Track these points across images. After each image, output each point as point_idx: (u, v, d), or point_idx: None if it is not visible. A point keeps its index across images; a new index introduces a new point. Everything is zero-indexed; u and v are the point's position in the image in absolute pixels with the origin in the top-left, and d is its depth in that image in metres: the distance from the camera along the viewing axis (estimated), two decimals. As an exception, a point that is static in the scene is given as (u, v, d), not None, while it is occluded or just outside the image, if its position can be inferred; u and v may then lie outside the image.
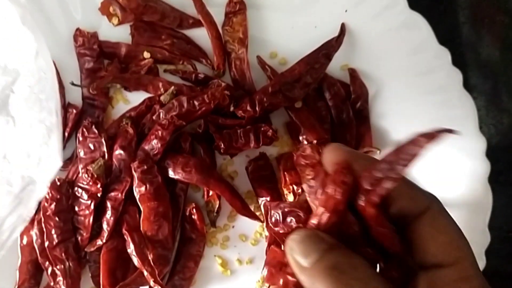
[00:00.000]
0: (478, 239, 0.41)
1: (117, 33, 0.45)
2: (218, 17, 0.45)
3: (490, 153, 0.43)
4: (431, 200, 0.24)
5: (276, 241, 0.29)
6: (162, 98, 0.43)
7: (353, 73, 0.45)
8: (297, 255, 0.24)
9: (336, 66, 0.45)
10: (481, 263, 0.41)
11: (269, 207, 0.28)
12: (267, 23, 0.45)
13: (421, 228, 0.24)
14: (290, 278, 0.26)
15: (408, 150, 0.22)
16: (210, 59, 0.45)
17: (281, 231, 0.27)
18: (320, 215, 0.24)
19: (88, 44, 0.44)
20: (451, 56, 0.43)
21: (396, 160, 0.22)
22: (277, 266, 0.27)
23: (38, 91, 0.33)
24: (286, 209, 0.27)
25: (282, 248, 0.27)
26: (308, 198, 0.26)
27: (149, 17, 0.44)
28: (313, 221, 0.24)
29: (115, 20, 0.44)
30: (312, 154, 0.27)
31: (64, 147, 0.44)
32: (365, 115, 0.45)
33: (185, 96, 0.42)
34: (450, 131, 0.22)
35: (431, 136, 0.22)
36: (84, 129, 0.42)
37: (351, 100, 0.45)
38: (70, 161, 0.44)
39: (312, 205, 0.26)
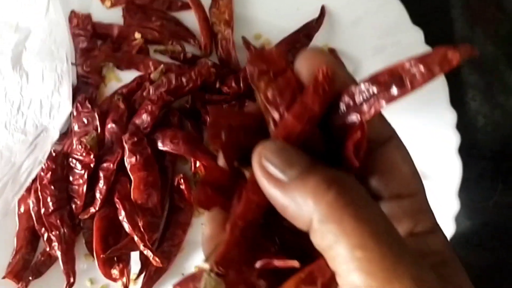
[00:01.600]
0: (447, 207, 0.44)
1: (110, 15, 0.47)
2: (205, 0, 0.48)
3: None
4: (393, 129, 0.23)
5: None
6: (152, 76, 0.46)
7: (332, 53, 0.47)
8: (274, 167, 0.20)
9: (316, 46, 0.48)
10: (451, 228, 0.44)
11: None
12: (252, 6, 0.48)
13: (387, 155, 0.22)
14: (252, 196, 0.21)
15: (408, 73, 0.20)
16: (198, 39, 0.48)
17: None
18: (290, 127, 0.21)
19: (82, 25, 0.46)
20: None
21: (391, 81, 0.20)
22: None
23: (49, 43, 0.35)
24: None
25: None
26: (264, 110, 0.22)
27: (140, 0, 0.47)
28: (281, 133, 0.21)
29: (108, 3, 0.47)
30: (277, 59, 0.22)
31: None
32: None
33: (174, 73, 0.45)
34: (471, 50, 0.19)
35: (444, 61, 0.19)
36: (79, 105, 0.45)
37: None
38: (65, 135, 0.47)
39: (270, 119, 0.21)
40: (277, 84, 0.21)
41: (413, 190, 0.22)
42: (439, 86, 0.45)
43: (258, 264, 0.21)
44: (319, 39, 0.47)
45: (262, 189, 0.20)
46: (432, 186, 0.44)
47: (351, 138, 0.20)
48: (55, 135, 0.37)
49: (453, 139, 0.45)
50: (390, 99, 0.20)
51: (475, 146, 0.49)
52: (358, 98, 0.21)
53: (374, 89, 0.20)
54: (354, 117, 0.21)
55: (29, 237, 0.45)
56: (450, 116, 0.44)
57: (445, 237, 0.23)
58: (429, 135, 0.45)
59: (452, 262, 0.22)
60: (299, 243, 0.22)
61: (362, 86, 0.21)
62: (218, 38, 0.48)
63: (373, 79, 0.21)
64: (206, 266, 0.20)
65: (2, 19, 0.37)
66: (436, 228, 0.23)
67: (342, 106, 0.21)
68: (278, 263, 0.21)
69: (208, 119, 0.45)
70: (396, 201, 0.22)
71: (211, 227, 0.22)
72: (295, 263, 0.21)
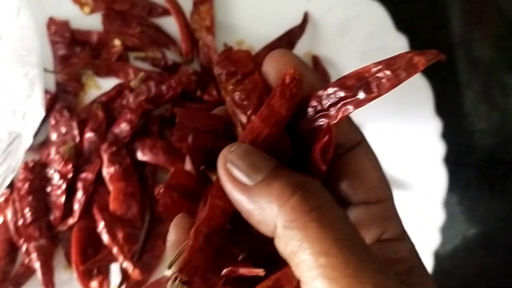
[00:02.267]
0: (433, 216, 0.43)
1: (89, 21, 0.46)
2: (186, 6, 0.47)
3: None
4: (362, 134, 0.23)
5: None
6: (132, 83, 0.45)
7: (315, 60, 0.47)
8: (238, 170, 0.19)
9: (300, 53, 0.47)
10: (436, 239, 0.43)
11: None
12: (233, 12, 0.47)
13: (355, 160, 0.22)
14: (216, 201, 0.20)
15: (375, 77, 0.19)
16: (178, 46, 0.47)
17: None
18: (257, 130, 0.20)
19: (61, 32, 0.45)
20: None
21: (358, 86, 0.20)
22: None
23: (20, 49, 0.34)
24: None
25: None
26: (232, 113, 0.21)
27: (120, 6, 0.46)
28: (247, 137, 0.20)
29: (86, 9, 0.46)
30: (244, 61, 0.22)
31: (37, 131, 0.46)
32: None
33: (153, 81, 0.44)
34: (437, 55, 0.19)
35: (410, 66, 0.19)
36: (57, 113, 0.44)
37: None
38: (43, 145, 0.46)
39: (238, 122, 0.21)
40: (244, 86, 0.21)
41: (381, 196, 0.22)
42: (424, 95, 0.44)
43: (223, 272, 0.21)
44: (302, 46, 0.46)
45: (227, 194, 0.20)
46: (418, 196, 0.44)
47: (318, 142, 0.20)
48: (28, 141, 0.36)
49: (439, 148, 0.44)
50: (358, 104, 0.20)
51: (461, 155, 0.48)
52: (326, 102, 0.20)
53: (341, 93, 0.20)
54: (321, 121, 0.21)
55: (8, 249, 0.44)
56: (435, 125, 0.44)
57: (412, 245, 0.23)
58: (414, 144, 0.44)
59: (419, 269, 0.21)
60: (267, 250, 0.21)
61: (330, 90, 0.20)
62: (200, 45, 0.47)
63: (341, 83, 0.20)
64: (169, 272, 0.19)
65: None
66: (403, 236, 0.22)
67: (310, 110, 0.21)
68: (243, 271, 0.20)
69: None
70: (364, 207, 0.22)
71: (176, 233, 0.21)
72: (260, 272, 0.20)
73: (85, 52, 0.46)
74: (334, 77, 0.47)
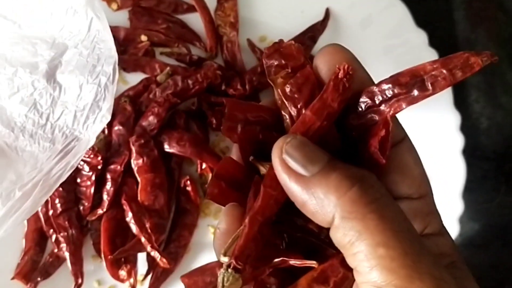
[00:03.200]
0: (451, 207, 0.44)
1: (116, 17, 0.48)
2: (211, 3, 0.48)
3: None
4: (405, 131, 0.23)
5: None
6: (158, 78, 0.46)
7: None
8: (295, 161, 0.20)
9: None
10: (455, 229, 0.44)
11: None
12: (257, 8, 0.48)
13: (400, 157, 0.22)
14: (270, 191, 0.21)
15: (430, 75, 0.20)
16: (203, 42, 0.48)
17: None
18: (309, 123, 0.21)
19: None
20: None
21: (413, 83, 0.20)
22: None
23: (92, 59, 0.35)
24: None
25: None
26: (281, 105, 0.22)
27: (146, 3, 0.47)
28: (299, 129, 0.21)
29: (114, 6, 0.47)
30: (296, 54, 0.22)
31: (67, 125, 0.47)
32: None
33: (180, 75, 0.45)
34: (491, 56, 0.20)
35: (467, 66, 0.20)
36: (86, 107, 0.45)
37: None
38: (72, 138, 0.47)
39: (287, 115, 0.22)
40: (296, 79, 0.22)
41: (423, 192, 0.23)
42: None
43: (274, 262, 0.21)
44: (323, 41, 0.47)
45: (281, 184, 0.20)
46: (437, 188, 0.45)
47: (376, 135, 0.21)
48: (89, 142, 0.37)
49: (458, 141, 0.45)
50: (411, 101, 0.21)
51: (478, 148, 0.50)
52: (378, 98, 0.21)
53: (395, 90, 0.21)
54: (372, 116, 0.21)
55: (37, 239, 0.45)
56: (454, 118, 0.45)
57: (452, 240, 0.23)
58: (433, 137, 0.45)
59: (461, 264, 0.22)
60: (307, 241, 0.22)
61: (384, 86, 0.21)
62: (224, 41, 0.48)
63: (394, 80, 0.21)
64: (225, 260, 0.20)
65: (38, 34, 0.37)
66: (444, 231, 0.23)
67: (361, 105, 0.22)
68: (294, 262, 0.21)
69: (213, 120, 0.45)
70: (407, 202, 0.22)
71: (227, 222, 0.22)
72: (313, 263, 0.21)
73: (112, 47, 0.47)
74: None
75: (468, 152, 0.46)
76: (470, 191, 0.47)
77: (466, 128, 0.46)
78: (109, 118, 0.36)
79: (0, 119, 0.37)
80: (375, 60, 0.47)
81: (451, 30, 0.51)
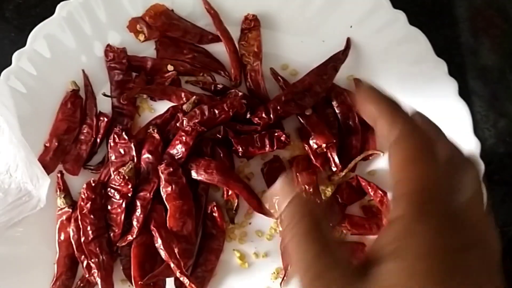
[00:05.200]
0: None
1: (143, 48, 0.49)
2: (235, 34, 0.50)
3: (489, 155, 0.47)
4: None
5: None
6: (184, 106, 0.48)
7: (357, 83, 0.49)
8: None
9: (342, 77, 0.49)
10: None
11: None
12: (279, 39, 0.50)
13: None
14: None
15: None
16: (227, 71, 0.50)
17: None
18: None
19: (118, 59, 0.48)
20: (451, 61, 0.47)
21: None
22: None
23: None
24: None
25: None
26: None
27: (173, 33, 0.49)
28: None
29: (141, 37, 0.49)
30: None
31: (96, 152, 0.49)
32: (369, 121, 0.49)
33: (206, 105, 0.47)
34: None
35: None
36: (115, 136, 0.47)
37: (356, 107, 0.49)
38: (101, 164, 0.48)
39: None
40: None
41: None
42: (462, 115, 0.47)
43: None
44: (345, 70, 0.49)
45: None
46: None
47: None
48: (39, 202, 0.39)
49: (479, 166, 0.46)
50: None
51: (497, 172, 0.51)
52: None
53: None
54: None
55: (69, 264, 0.47)
56: (474, 145, 0.46)
57: None
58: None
59: None
60: None
61: None
62: (247, 70, 0.49)
63: None
64: None
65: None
66: None
67: None
68: None
69: (239, 148, 0.47)
70: None
71: None
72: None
73: (140, 77, 0.49)
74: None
75: (486, 177, 0.47)
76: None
77: (484, 153, 0.47)
78: (48, 180, 0.40)
79: None
80: (395, 87, 0.48)
81: (465, 58, 0.52)
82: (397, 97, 0.48)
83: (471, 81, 0.53)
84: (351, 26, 0.48)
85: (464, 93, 0.47)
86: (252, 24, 0.49)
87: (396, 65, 0.48)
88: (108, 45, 0.48)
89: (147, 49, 0.49)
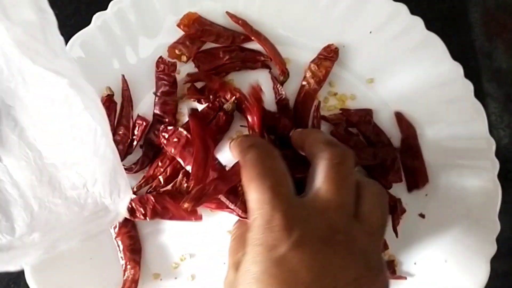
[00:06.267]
0: (490, 228, 0.48)
1: (187, 68, 0.52)
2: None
3: (501, 155, 0.49)
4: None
5: None
6: (225, 106, 0.49)
7: (399, 115, 0.51)
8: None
9: (363, 81, 0.52)
10: (493, 248, 0.48)
11: None
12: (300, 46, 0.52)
13: None
14: None
15: None
16: (268, 60, 0.51)
17: None
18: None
19: (168, 71, 0.51)
20: (467, 65, 0.49)
21: None
22: None
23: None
24: None
25: None
26: None
27: (207, 39, 0.51)
28: None
29: (184, 58, 0.51)
30: None
31: (131, 152, 0.51)
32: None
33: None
34: None
35: None
36: (164, 133, 0.48)
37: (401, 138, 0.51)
38: (135, 165, 0.51)
39: None
40: None
41: None
42: (478, 116, 0.49)
43: None
44: (363, 73, 0.52)
45: None
46: (475, 209, 0.48)
47: None
48: (118, 216, 0.39)
49: (494, 165, 0.48)
50: None
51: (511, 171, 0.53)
52: None
53: None
54: None
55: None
56: (490, 145, 0.48)
57: None
58: (471, 161, 0.49)
59: None
60: None
61: None
62: (304, 88, 0.51)
63: None
64: None
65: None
66: None
67: None
68: None
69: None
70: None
71: None
72: None
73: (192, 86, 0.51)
74: (394, 96, 0.52)
75: (502, 175, 0.49)
76: (504, 213, 0.50)
77: (499, 153, 0.49)
78: (130, 193, 0.38)
79: (50, 180, 0.40)
80: (412, 90, 0.51)
81: (478, 61, 0.54)
82: (416, 99, 0.51)
83: (486, 83, 0.55)
84: (370, 32, 0.51)
85: (480, 95, 0.50)
86: (331, 54, 0.51)
87: (414, 69, 0.50)
88: (161, 57, 0.51)
89: (190, 68, 0.52)
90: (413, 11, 0.50)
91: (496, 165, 0.48)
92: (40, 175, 0.41)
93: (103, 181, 0.39)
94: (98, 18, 0.50)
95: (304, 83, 0.51)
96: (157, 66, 0.51)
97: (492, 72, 0.56)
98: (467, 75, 0.49)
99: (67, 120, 0.38)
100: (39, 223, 0.39)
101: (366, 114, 0.51)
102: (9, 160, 0.41)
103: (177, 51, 0.51)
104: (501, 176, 0.49)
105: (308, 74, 0.51)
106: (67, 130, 0.39)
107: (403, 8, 0.49)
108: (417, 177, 0.50)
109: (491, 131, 0.49)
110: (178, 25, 0.51)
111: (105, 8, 0.50)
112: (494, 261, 0.47)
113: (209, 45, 0.52)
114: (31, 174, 0.41)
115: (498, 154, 0.49)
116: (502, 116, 0.55)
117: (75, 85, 0.37)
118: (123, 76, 0.51)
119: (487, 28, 0.56)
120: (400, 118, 0.51)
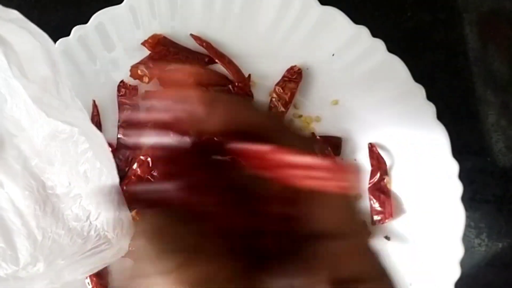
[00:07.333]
0: (452, 251, 0.47)
1: (150, 87, 0.53)
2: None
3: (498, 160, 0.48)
4: None
5: None
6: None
7: (372, 147, 0.51)
8: None
9: (326, 103, 0.52)
10: (456, 272, 0.47)
11: None
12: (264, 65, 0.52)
13: None
14: None
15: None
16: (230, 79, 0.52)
17: None
18: None
19: (129, 95, 0.52)
20: (432, 85, 0.49)
21: None
22: None
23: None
24: None
25: None
26: None
27: (171, 58, 0.52)
28: None
29: (146, 79, 0.52)
30: None
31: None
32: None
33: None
34: None
35: None
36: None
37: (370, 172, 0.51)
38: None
39: None
40: None
41: None
42: (440, 137, 0.48)
43: None
44: (327, 94, 0.52)
45: None
46: (437, 232, 0.48)
47: None
48: (121, 250, 0.40)
49: (456, 188, 0.48)
50: None
51: (479, 191, 0.52)
52: None
53: None
54: None
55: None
56: (452, 167, 0.48)
57: None
58: (432, 184, 0.49)
59: None
60: None
61: None
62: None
63: None
64: None
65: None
66: None
67: None
68: None
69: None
70: None
71: None
72: None
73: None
74: (353, 122, 0.52)
75: (468, 197, 0.48)
76: (471, 234, 0.49)
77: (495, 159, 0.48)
78: (133, 230, 0.38)
79: (53, 210, 0.41)
80: (372, 111, 0.50)
81: (449, 82, 0.54)
82: (379, 123, 0.50)
83: (481, 89, 0.54)
84: (333, 54, 0.51)
85: (473, 101, 0.48)
86: (295, 76, 0.51)
87: (376, 91, 0.50)
88: (122, 81, 0.52)
89: (153, 87, 0.53)
90: (377, 32, 0.50)
91: (459, 188, 0.48)
92: (44, 205, 0.41)
93: (106, 216, 0.40)
94: (60, 44, 0.50)
95: (271, 105, 0.52)
96: (119, 90, 0.52)
97: (488, 78, 0.55)
98: (432, 96, 0.49)
99: (72, 156, 0.40)
100: (42, 253, 0.40)
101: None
102: (12, 188, 0.41)
103: (139, 71, 0.52)
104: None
105: (274, 97, 0.52)
106: (72, 165, 0.40)
107: (364, 30, 0.49)
108: (384, 211, 0.50)
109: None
110: (143, 43, 0.52)
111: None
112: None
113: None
114: (35, 203, 0.41)
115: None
116: (498, 121, 0.54)
117: (84, 133, 0.39)
118: (93, 101, 0.52)
119: (481, 33, 0.55)
120: (372, 150, 0.51)
